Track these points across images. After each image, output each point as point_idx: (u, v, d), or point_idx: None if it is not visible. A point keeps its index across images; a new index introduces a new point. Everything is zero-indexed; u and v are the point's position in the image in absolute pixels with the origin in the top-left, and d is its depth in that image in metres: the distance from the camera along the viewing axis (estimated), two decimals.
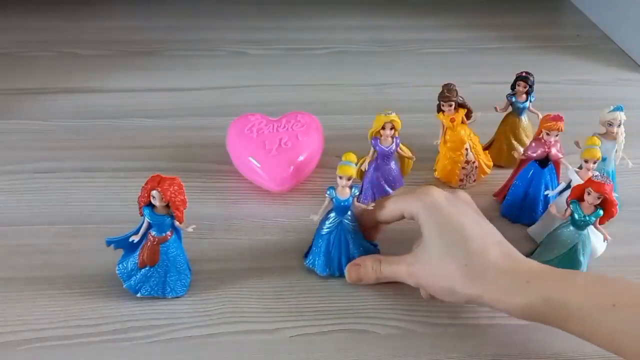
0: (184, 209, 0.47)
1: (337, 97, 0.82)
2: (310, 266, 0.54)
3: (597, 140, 0.54)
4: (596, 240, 0.53)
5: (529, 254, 0.53)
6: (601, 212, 0.49)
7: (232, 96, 0.82)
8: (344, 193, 0.50)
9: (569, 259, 0.51)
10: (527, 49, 0.97)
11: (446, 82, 0.61)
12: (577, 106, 0.80)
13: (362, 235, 0.53)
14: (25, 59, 0.90)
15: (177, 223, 0.48)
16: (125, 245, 0.50)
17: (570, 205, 0.50)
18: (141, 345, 0.47)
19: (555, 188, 0.57)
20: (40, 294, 0.51)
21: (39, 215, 0.60)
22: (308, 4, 1.10)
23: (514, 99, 0.65)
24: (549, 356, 0.47)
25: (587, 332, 0.43)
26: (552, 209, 0.52)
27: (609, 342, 0.42)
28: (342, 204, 0.50)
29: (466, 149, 0.62)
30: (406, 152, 0.59)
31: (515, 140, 0.66)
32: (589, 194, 0.49)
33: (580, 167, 0.55)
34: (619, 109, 0.57)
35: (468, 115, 0.62)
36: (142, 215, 0.48)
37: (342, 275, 0.53)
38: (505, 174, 0.63)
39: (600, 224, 0.50)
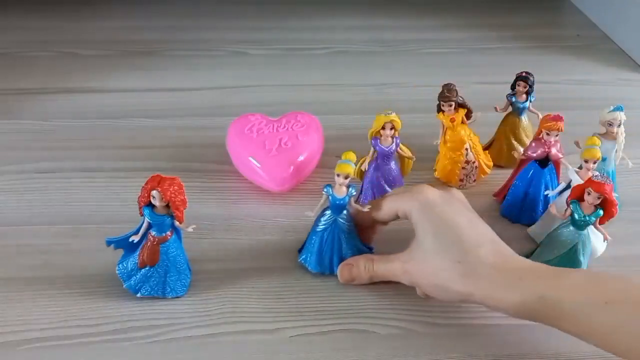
0: (184, 209, 0.47)
1: (337, 97, 0.82)
2: (303, 262, 0.54)
3: (597, 140, 0.54)
4: (596, 240, 0.53)
5: (529, 254, 0.53)
6: (601, 212, 0.49)
7: (232, 96, 0.82)
8: (341, 191, 0.50)
9: (569, 259, 0.51)
10: (527, 49, 0.97)
11: (446, 82, 0.61)
12: (577, 106, 0.80)
13: (357, 236, 0.53)
14: (25, 59, 0.90)
15: (177, 223, 0.48)
16: (125, 245, 0.50)
17: (570, 205, 0.50)
18: (141, 345, 0.47)
19: (555, 188, 0.57)
20: (40, 294, 0.51)
21: (39, 215, 0.60)
22: (308, 4, 1.10)
23: (514, 99, 0.65)
24: (549, 356, 0.47)
25: (580, 330, 0.43)
26: (552, 209, 0.52)
27: (602, 339, 0.42)
28: (338, 202, 0.50)
29: (466, 149, 0.62)
30: (406, 152, 0.59)
31: (515, 140, 0.66)
32: (589, 194, 0.49)
33: (580, 167, 0.55)
34: (619, 109, 0.57)
35: (468, 115, 0.62)
36: (142, 215, 0.48)
37: (333, 273, 0.53)
38: (505, 174, 0.63)
39: (600, 224, 0.50)
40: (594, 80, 0.88)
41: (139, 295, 0.50)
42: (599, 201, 0.49)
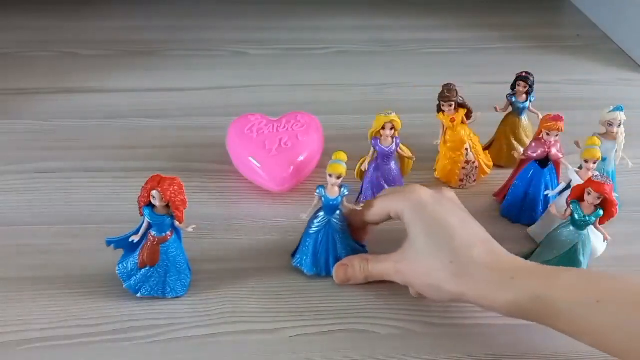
0: (184, 209, 0.47)
1: (337, 97, 0.82)
2: (298, 265, 0.54)
3: (597, 140, 0.54)
4: (596, 240, 0.53)
5: (529, 254, 0.53)
6: (601, 212, 0.49)
7: (232, 96, 0.82)
8: (333, 192, 0.50)
9: (569, 259, 0.51)
10: (527, 49, 0.97)
11: (446, 82, 0.61)
12: (577, 106, 0.80)
13: (350, 235, 0.53)
14: (25, 59, 0.90)
15: (177, 223, 0.48)
16: (125, 245, 0.50)
17: (570, 205, 0.50)
18: (141, 345, 0.47)
19: (555, 188, 0.57)
20: (40, 294, 0.51)
21: (39, 215, 0.60)
22: (308, 4, 1.10)
23: (514, 99, 0.65)
24: (549, 356, 0.47)
25: (573, 329, 0.43)
26: (552, 209, 0.52)
27: (595, 339, 0.42)
28: (331, 202, 0.50)
29: (466, 149, 0.62)
30: (406, 152, 0.59)
31: (515, 140, 0.66)
32: (589, 194, 0.49)
33: (580, 167, 0.55)
34: (619, 109, 0.57)
35: (468, 115, 0.62)
36: (142, 215, 0.48)
37: (329, 275, 0.53)
38: (505, 174, 0.63)
39: (600, 224, 0.50)
40: (594, 80, 0.88)
41: (139, 295, 0.50)
42: (599, 201, 0.49)
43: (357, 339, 0.49)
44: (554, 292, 0.43)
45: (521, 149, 0.59)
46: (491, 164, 0.65)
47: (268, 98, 0.81)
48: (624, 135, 0.58)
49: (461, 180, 0.64)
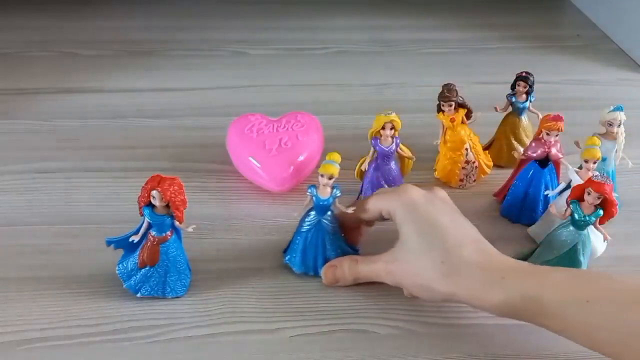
0: (184, 209, 0.47)
1: (337, 97, 0.82)
2: (288, 263, 0.54)
3: (597, 140, 0.54)
4: (596, 240, 0.53)
5: (529, 254, 0.53)
6: (601, 212, 0.49)
7: (232, 96, 0.82)
8: (325, 192, 0.50)
9: (569, 259, 0.51)
10: (527, 49, 0.97)
11: (446, 82, 0.61)
12: (577, 106, 0.80)
13: (342, 237, 0.53)
14: (25, 59, 0.90)
15: (177, 223, 0.48)
16: (125, 245, 0.50)
17: (570, 205, 0.50)
18: (141, 345, 0.47)
19: (555, 188, 0.57)
20: (40, 294, 0.51)
21: (39, 215, 0.60)
22: (308, 4, 1.10)
23: (514, 99, 0.65)
24: (549, 356, 0.47)
25: (563, 328, 0.43)
26: (552, 209, 0.52)
27: (585, 338, 0.42)
28: (322, 203, 0.50)
29: (466, 149, 0.62)
30: (406, 152, 0.59)
31: (515, 140, 0.66)
32: (589, 194, 0.49)
33: (580, 167, 0.55)
34: (619, 109, 0.57)
35: (468, 115, 0.62)
36: (142, 215, 0.48)
37: (317, 275, 0.53)
38: (505, 174, 0.63)
39: (600, 224, 0.50)
40: (594, 80, 0.88)
41: (139, 295, 0.50)
42: (599, 201, 0.49)
43: (357, 339, 0.49)
44: (544, 292, 0.43)
45: (521, 149, 0.59)
46: (491, 164, 0.65)
47: (268, 98, 0.81)
48: (624, 135, 0.58)
49: (461, 180, 0.64)
